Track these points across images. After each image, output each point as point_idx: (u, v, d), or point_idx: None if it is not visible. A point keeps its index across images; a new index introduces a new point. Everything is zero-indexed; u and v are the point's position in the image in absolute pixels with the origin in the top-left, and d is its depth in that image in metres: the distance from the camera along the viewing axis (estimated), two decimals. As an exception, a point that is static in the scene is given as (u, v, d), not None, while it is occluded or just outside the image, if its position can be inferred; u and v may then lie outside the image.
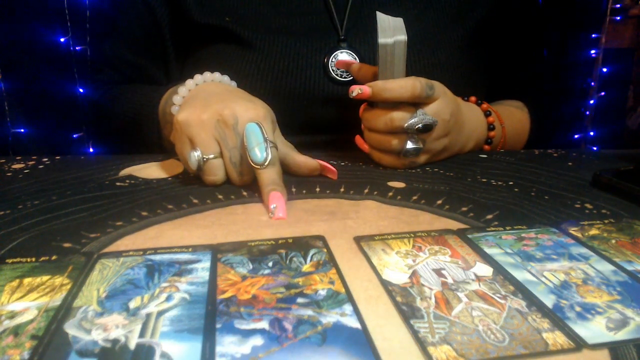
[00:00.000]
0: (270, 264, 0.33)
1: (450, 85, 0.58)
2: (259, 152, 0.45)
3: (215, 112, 0.47)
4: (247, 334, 0.26)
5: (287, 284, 0.31)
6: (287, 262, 0.34)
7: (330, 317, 0.27)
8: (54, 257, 0.34)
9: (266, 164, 0.45)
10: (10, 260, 0.33)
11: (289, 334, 0.26)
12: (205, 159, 0.47)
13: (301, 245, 0.36)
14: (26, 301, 0.29)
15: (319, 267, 0.33)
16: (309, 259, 0.34)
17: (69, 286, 0.30)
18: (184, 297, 0.29)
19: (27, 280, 0.31)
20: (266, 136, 0.46)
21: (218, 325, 0.27)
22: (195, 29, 0.68)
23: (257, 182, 0.46)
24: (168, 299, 0.29)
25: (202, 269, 0.32)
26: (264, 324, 0.27)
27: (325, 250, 0.36)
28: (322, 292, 0.30)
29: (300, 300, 0.29)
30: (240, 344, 0.25)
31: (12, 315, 0.27)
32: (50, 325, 0.26)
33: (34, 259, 0.33)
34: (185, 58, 0.73)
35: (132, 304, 0.28)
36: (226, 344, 0.25)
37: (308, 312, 0.28)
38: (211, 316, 0.27)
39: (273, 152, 0.46)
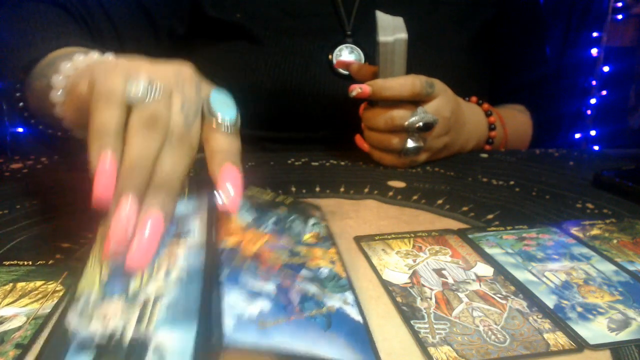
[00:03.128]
0: (274, 219, 0.34)
1: (454, 87, 0.58)
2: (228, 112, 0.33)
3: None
4: (254, 295, 0.26)
5: (290, 250, 0.31)
6: (289, 224, 0.34)
7: (334, 301, 0.28)
8: (50, 262, 0.33)
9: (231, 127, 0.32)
10: (7, 263, 0.33)
11: (295, 307, 0.26)
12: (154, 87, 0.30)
13: (300, 209, 0.37)
14: (16, 307, 0.28)
15: (319, 240, 0.33)
16: (308, 228, 0.35)
17: (61, 293, 0.30)
18: (181, 278, 0.28)
19: (20, 285, 0.30)
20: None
21: (225, 273, 0.26)
22: (205, 23, 0.69)
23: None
24: (166, 275, 0.28)
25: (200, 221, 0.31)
26: (270, 287, 0.27)
27: (323, 223, 0.36)
28: (325, 271, 0.30)
29: (304, 272, 0.29)
30: (248, 303, 0.25)
31: (1, 321, 0.27)
32: (36, 334, 0.26)
33: (30, 263, 0.33)
34: (189, 53, 0.73)
35: (132, 286, 0.27)
36: (234, 299, 0.25)
37: (313, 289, 0.28)
38: (211, 261, 0.27)
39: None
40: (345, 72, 0.67)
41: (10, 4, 0.56)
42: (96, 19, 0.61)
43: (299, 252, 0.31)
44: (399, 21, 0.53)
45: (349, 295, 0.28)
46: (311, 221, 0.35)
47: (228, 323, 0.24)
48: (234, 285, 0.26)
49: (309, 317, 0.26)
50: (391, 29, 0.52)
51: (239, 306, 0.25)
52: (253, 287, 0.26)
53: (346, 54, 0.68)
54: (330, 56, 0.67)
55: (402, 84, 0.52)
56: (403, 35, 0.52)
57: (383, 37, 0.51)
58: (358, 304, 0.28)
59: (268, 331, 0.24)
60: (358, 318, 0.27)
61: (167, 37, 0.69)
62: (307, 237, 0.33)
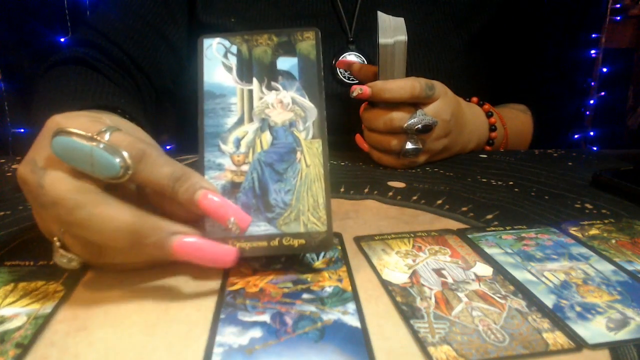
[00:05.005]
0: (283, 258, 0.34)
1: (455, 89, 0.58)
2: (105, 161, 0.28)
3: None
4: (248, 326, 0.26)
5: (296, 279, 0.31)
6: (300, 257, 0.34)
7: (332, 315, 0.27)
8: (51, 262, 0.33)
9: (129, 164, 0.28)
10: (9, 263, 0.33)
11: (288, 328, 0.26)
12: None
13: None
14: (17, 307, 0.28)
15: (330, 264, 0.33)
16: (321, 256, 0.34)
17: (62, 294, 0.30)
18: None
19: (21, 285, 0.31)
20: (85, 134, 0.28)
21: (222, 316, 0.27)
22: (199, 28, 0.68)
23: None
24: None
25: None
26: (265, 317, 0.27)
27: (339, 247, 0.36)
28: (329, 289, 0.30)
29: (305, 296, 0.29)
30: (240, 335, 0.26)
31: (2, 320, 0.27)
32: (36, 334, 0.26)
33: (31, 263, 0.33)
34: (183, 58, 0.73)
35: None
36: (226, 334, 0.25)
37: (311, 308, 0.28)
38: (218, 307, 0.28)
39: (119, 139, 0.28)
40: (347, 80, 0.67)
41: (43, 69, 0.61)
42: (115, 58, 0.63)
43: (305, 279, 0.31)
44: (399, 22, 0.53)
45: (350, 306, 0.28)
46: None
47: (217, 352, 0.24)
48: (230, 324, 0.26)
49: (300, 335, 0.26)
50: (391, 31, 0.52)
51: (230, 340, 0.25)
52: (248, 321, 0.27)
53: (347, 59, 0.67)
54: (333, 61, 0.67)
55: (401, 86, 0.52)
56: (403, 37, 0.52)
57: (383, 39, 0.52)
58: (360, 311, 0.28)
59: (255, 355, 0.24)
60: (356, 324, 0.27)
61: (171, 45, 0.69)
62: (318, 263, 0.33)
